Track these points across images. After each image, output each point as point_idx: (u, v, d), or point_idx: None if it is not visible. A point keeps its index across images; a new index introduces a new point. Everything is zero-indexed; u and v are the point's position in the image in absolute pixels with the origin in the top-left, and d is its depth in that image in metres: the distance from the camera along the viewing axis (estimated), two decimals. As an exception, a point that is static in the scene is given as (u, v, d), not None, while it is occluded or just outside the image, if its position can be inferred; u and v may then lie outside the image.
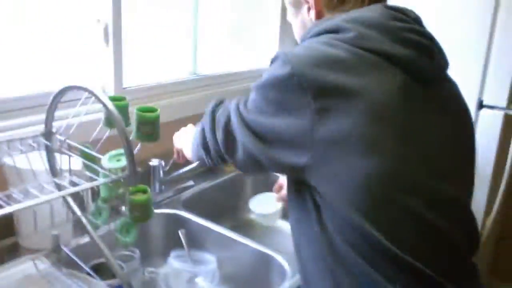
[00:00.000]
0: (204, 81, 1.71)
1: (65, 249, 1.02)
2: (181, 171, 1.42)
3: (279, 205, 1.31)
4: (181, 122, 1.31)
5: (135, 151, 0.82)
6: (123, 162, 0.82)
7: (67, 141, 0.92)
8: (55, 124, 0.95)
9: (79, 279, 0.94)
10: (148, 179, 1.40)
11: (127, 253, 1.14)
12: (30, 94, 1.21)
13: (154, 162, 1.40)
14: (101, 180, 0.84)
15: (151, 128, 0.85)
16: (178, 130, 1.21)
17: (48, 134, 0.95)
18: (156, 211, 1.31)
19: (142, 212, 0.87)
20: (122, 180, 0.83)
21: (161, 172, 1.41)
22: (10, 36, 1.20)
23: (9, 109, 1.17)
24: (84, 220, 0.90)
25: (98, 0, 1.31)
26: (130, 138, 0.81)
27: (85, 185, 0.84)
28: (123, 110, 0.87)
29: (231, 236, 1.22)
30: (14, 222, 1.11)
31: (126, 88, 1.41)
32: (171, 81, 1.58)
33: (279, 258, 1.15)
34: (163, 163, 1.41)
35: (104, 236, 0.96)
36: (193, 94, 1.63)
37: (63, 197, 0.90)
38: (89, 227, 0.90)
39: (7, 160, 0.99)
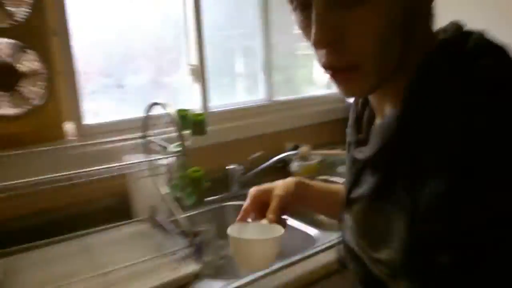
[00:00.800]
0: (276, 105, 2.13)
1: (158, 218, 1.48)
2: (254, 171, 1.83)
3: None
4: (254, 139, 1.76)
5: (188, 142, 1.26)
6: (180, 147, 1.26)
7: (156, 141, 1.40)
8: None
9: (166, 236, 1.39)
10: (226, 181, 1.83)
11: (203, 228, 1.55)
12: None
13: (231, 166, 1.83)
14: (162, 157, 1.30)
15: (199, 127, 1.29)
16: (251, 146, 1.62)
17: (144, 138, 1.45)
18: (233, 203, 1.74)
19: (194, 187, 1.28)
20: (178, 157, 1.27)
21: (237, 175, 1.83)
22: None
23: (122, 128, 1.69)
24: (163, 192, 1.36)
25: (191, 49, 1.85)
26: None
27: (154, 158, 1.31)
28: (201, 122, 1.33)
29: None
30: (130, 201, 1.60)
31: (211, 111, 1.90)
32: (246, 105, 2.04)
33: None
34: (240, 167, 1.83)
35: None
36: (266, 117, 2.06)
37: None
38: (168, 198, 1.35)
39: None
